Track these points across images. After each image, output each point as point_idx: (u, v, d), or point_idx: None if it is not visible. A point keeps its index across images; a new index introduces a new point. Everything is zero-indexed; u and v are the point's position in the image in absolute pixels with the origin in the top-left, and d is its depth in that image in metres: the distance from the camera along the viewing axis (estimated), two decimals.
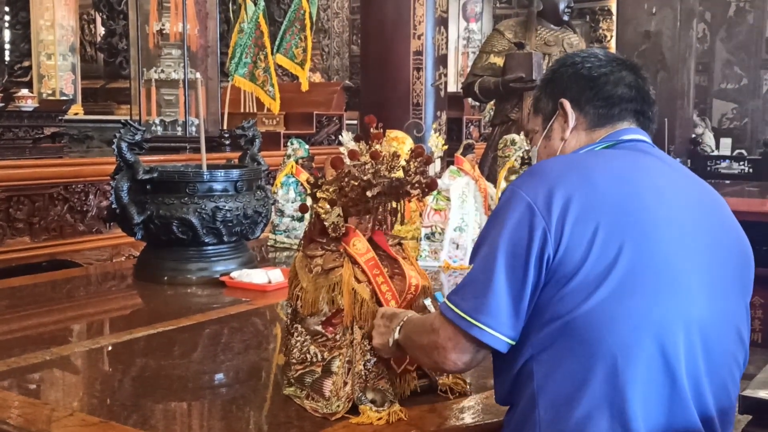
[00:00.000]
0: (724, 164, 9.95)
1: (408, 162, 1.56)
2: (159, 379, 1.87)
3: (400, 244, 1.71)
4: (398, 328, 1.46)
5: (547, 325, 1.25)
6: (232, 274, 2.75)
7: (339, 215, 1.62)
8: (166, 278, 2.82)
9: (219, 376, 1.96)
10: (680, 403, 1.24)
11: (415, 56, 5.20)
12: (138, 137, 2.71)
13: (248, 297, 2.64)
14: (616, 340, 1.21)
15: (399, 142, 3.43)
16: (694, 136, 10.76)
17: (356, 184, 1.55)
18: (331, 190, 1.61)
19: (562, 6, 4.75)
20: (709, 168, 9.81)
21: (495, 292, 1.23)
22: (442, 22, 5.30)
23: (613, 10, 11.25)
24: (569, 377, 1.23)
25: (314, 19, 5.39)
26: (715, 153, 10.77)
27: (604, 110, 1.44)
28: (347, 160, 1.62)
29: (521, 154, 3.20)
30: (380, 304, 1.58)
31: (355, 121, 6.18)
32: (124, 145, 2.68)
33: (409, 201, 1.63)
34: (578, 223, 1.23)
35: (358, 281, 1.59)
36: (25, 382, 1.85)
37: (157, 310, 2.66)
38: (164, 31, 4.74)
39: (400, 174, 1.58)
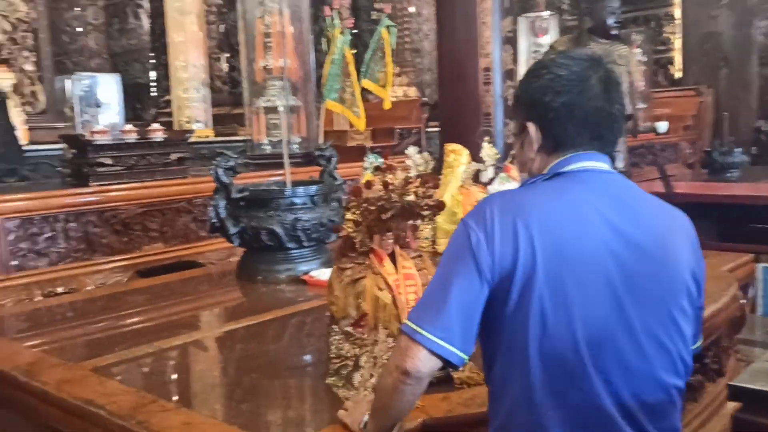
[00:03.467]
0: None
1: (417, 188, 1.57)
2: (255, 360, 2.00)
3: (420, 256, 1.72)
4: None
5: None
6: (312, 273, 2.83)
7: (365, 233, 1.65)
8: (260, 278, 2.92)
9: (306, 358, 2.05)
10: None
11: (484, 72, 5.12)
12: (231, 163, 2.82)
13: (326, 292, 2.69)
14: (532, 342, 1.18)
15: (456, 154, 3.41)
16: (758, 125, 10.07)
17: (373, 209, 1.57)
18: (357, 213, 1.64)
19: (610, 21, 4.56)
20: None
21: (448, 308, 1.20)
22: (508, 41, 5.21)
23: (677, 14, 10.72)
24: (501, 371, 1.24)
25: (394, 47, 5.38)
26: None
27: (561, 138, 1.30)
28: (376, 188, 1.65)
29: None
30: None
31: (436, 130, 6.15)
32: (220, 171, 2.80)
33: (422, 220, 1.64)
34: (502, 227, 1.20)
35: (380, 289, 1.61)
36: (165, 359, 2.11)
37: (253, 305, 2.78)
38: (268, 67, 4.86)
39: (412, 198, 1.59)
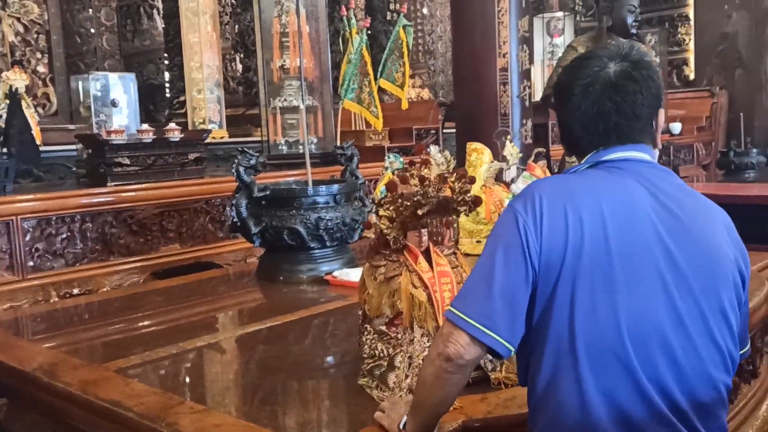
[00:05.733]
0: None
1: (453, 183, 1.53)
2: (278, 361, 1.97)
3: (455, 253, 1.67)
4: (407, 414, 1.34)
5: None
6: (335, 273, 2.78)
7: (399, 230, 1.60)
8: (281, 278, 2.89)
9: (329, 359, 2.03)
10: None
11: (502, 72, 5.04)
12: (253, 162, 2.78)
13: (349, 293, 2.65)
14: (579, 334, 1.15)
15: (478, 153, 3.35)
16: None
17: (409, 204, 1.53)
18: (391, 209, 1.59)
19: (629, 21, 4.50)
20: None
21: (492, 293, 1.17)
22: (525, 41, 5.14)
23: (691, 15, 10.64)
24: (546, 367, 1.19)
25: (410, 47, 5.35)
26: None
27: (586, 138, 1.30)
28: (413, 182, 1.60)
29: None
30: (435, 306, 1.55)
31: (453, 131, 6.11)
32: (241, 169, 2.76)
33: (458, 216, 1.59)
34: (552, 213, 1.18)
35: (415, 287, 1.56)
36: (185, 361, 2.08)
37: (274, 305, 2.74)
38: (285, 66, 4.83)
39: (447, 193, 1.54)
